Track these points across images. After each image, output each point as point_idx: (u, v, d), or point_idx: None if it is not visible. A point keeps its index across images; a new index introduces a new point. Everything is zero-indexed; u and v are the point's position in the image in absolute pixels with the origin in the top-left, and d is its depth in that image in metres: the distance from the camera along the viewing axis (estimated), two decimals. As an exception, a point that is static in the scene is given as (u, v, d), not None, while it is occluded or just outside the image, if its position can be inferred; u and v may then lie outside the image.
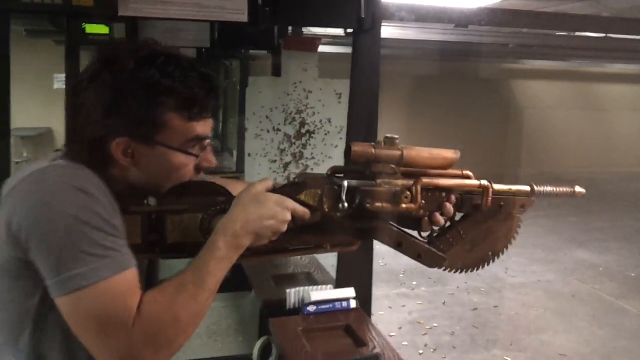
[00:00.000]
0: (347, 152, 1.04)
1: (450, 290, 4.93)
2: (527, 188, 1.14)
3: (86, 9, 1.51)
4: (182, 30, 2.93)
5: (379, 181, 1.05)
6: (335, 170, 1.09)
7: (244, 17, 1.70)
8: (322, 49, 2.52)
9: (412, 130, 9.10)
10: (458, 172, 1.11)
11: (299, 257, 2.32)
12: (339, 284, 1.89)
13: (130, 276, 0.88)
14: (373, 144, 1.05)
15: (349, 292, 1.83)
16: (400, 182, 1.06)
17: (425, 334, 4.02)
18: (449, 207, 1.09)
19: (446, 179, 1.09)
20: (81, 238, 0.85)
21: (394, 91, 8.97)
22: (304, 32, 2.38)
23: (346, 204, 1.02)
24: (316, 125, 2.47)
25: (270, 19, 1.72)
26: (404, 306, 4.56)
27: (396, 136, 1.06)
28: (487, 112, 10.04)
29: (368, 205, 1.04)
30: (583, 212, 7.50)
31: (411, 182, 1.06)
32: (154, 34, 2.97)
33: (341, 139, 2.49)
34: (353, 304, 1.83)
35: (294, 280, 2.12)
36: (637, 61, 8.28)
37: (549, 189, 1.16)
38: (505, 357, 3.69)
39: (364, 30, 1.73)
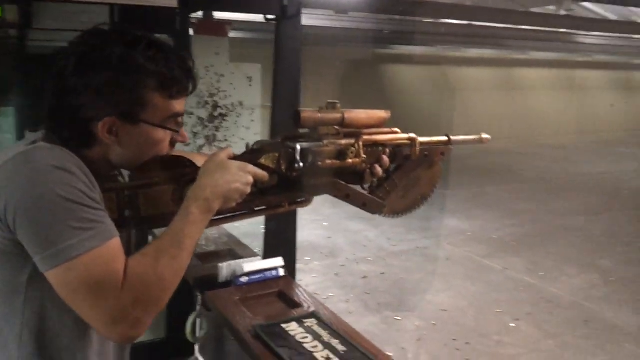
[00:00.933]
0: (296, 117, 1.17)
1: (340, 262, 5.26)
2: (445, 138, 1.34)
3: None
4: (79, 12, 2.86)
5: (325, 141, 1.19)
6: (286, 136, 1.21)
7: (173, 2, 1.77)
8: (231, 34, 2.61)
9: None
10: (388, 129, 1.29)
11: (216, 234, 2.43)
12: (266, 255, 2.04)
13: (115, 244, 0.96)
14: (317, 109, 1.19)
15: (278, 261, 1.98)
16: (344, 140, 1.21)
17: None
18: (386, 159, 1.26)
19: (381, 135, 1.26)
20: (66, 213, 0.91)
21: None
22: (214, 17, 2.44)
23: (301, 164, 1.15)
24: (228, 108, 2.57)
25: (199, 4, 1.80)
26: (300, 280, 4.79)
27: (336, 101, 1.20)
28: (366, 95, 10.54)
29: (319, 163, 1.18)
30: (450, 184, 8.25)
31: (353, 140, 1.21)
32: (50, 16, 2.86)
33: (252, 121, 2.61)
34: (281, 272, 1.99)
35: (218, 256, 2.22)
36: (494, 46, 9.16)
37: (461, 137, 1.36)
38: (396, 317, 4.07)
39: (286, 17, 1.88)
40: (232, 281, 1.93)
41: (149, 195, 1.09)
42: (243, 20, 3.30)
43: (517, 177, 9.65)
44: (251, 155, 1.16)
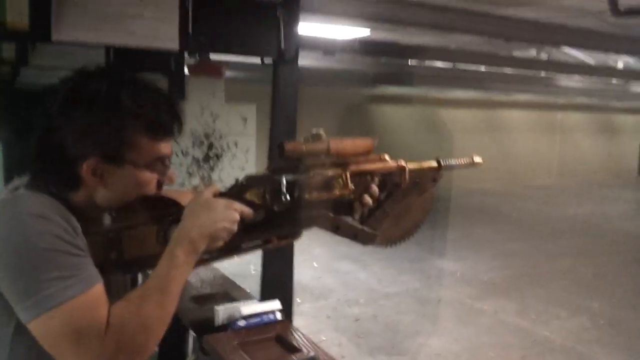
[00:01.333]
0: (280, 150, 1.14)
1: (332, 304, 5.18)
2: (435, 163, 1.29)
3: (22, 33, 1.49)
4: (75, 52, 2.86)
5: (312, 173, 1.15)
6: (273, 168, 1.17)
7: (175, 45, 1.77)
8: (227, 74, 2.63)
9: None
10: (376, 156, 1.24)
11: (211, 276, 2.39)
12: (263, 297, 2.00)
13: (97, 291, 0.93)
14: (302, 139, 1.16)
15: (275, 304, 1.94)
16: (331, 171, 1.17)
17: (314, 347, 4.20)
18: (375, 188, 1.20)
19: (369, 164, 1.21)
20: (45, 262, 0.89)
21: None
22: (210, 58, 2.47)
23: (287, 197, 1.11)
24: (223, 149, 2.56)
25: (199, 47, 1.81)
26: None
27: (321, 131, 1.17)
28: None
29: (306, 196, 1.14)
30: (438, 225, 8.26)
31: (340, 170, 1.17)
32: (45, 56, 2.86)
33: (247, 161, 2.61)
34: (279, 315, 1.94)
35: (213, 298, 2.17)
36: (482, 88, 9.35)
37: (452, 162, 1.32)
38: (389, 361, 4.00)
39: (284, 60, 1.89)
40: (229, 325, 1.88)
41: (133, 237, 1.06)
42: (238, 61, 3.32)
43: (504, 217, 9.69)
44: (237, 190, 1.13)
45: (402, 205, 1.26)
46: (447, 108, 12.75)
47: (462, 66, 7.63)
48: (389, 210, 1.25)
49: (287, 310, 1.99)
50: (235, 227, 1.06)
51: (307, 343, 1.78)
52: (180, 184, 2.46)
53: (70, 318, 0.89)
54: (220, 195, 1.10)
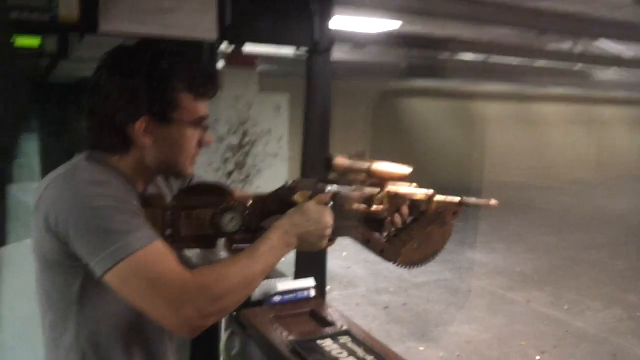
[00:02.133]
0: (328, 163, 1.25)
1: (361, 293, 5.26)
2: (458, 199, 1.40)
3: (72, 25, 1.60)
4: (114, 43, 2.99)
5: (353, 187, 1.28)
6: (320, 179, 1.28)
7: (213, 35, 1.87)
8: (260, 67, 2.73)
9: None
10: (408, 183, 1.35)
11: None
12: (297, 276, 2.08)
13: (163, 244, 1.01)
14: (348, 156, 1.27)
15: (310, 282, 2.03)
16: (370, 189, 1.29)
17: (346, 333, 4.27)
18: (405, 210, 1.32)
19: (404, 188, 1.33)
20: (111, 219, 0.98)
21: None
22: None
23: (331, 204, 1.23)
24: (258, 136, 2.66)
25: (237, 37, 1.90)
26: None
27: (364, 150, 1.29)
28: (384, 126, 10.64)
29: (347, 207, 1.26)
30: (469, 217, 8.23)
31: (378, 189, 1.29)
32: (86, 47, 3.01)
33: (280, 148, 2.70)
34: (313, 292, 2.03)
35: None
36: (515, 82, 9.25)
37: (472, 200, 1.42)
38: (420, 348, 4.05)
39: (318, 51, 1.97)
40: (265, 300, 1.97)
41: (190, 217, 1.15)
42: (270, 54, 3.42)
43: (536, 211, 9.60)
44: (287, 191, 1.23)
45: (424, 233, 1.37)
46: (479, 101, 12.63)
47: (495, 59, 7.57)
48: (414, 234, 1.36)
49: (321, 288, 2.07)
50: (323, 246, 1.20)
51: (340, 318, 1.86)
52: (217, 169, 2.57)
53: (146, 265, 0.96)
54: (272, 193, 1.22)
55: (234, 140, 2.62)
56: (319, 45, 1.97)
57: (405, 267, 1.38)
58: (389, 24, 4.92)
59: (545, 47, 7.12)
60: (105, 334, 1.09)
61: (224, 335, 2.06)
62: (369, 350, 1.61)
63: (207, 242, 1.18)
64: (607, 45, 7.14)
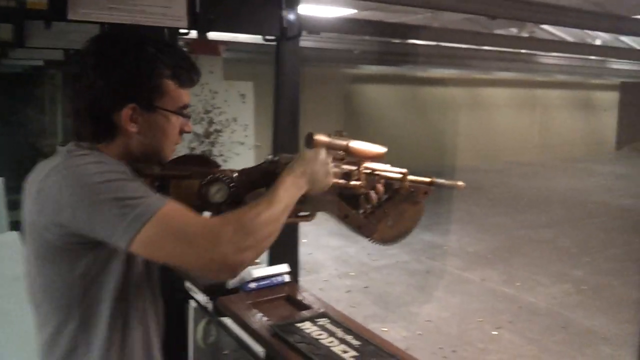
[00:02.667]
0: (309, 140, 1.27)
1: (323, 278, 5.33)
2: (428, 179, 1.44)
3: (40, 11, 1.56)
4: (71, 31, 2.91)
5: (332, 163, 1.30)
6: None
7: (183, 24, 1.86)
8: (224, 54, 2.71)
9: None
10: (383, 163, 1.39)
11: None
12: (271, 263, 2.11)
13: (178, 203, 1.02)
14: (329, 134, 1.30)
15: (284, 267, 2.06)
16: (347, 166, 1.33)
17: (310, 318, 4.34)
18: (380, 187, 1.36)
19: (379, 165, 1.37)
20: (122, 189, 0.98)
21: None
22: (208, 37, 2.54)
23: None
24: (223, 124, 2.65)
25: (206, 26, 1.89)
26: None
27: (343, 130, 1.33)
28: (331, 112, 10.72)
29: None
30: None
31: (355, 166, 1.33)
32: (42, 35, 2.92)
33: (246, 136, 2.70)
34: (287, 278, 2.06)
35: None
36: (464, 66, 9.46)
37: (441, 180, 1.46)
38: (383, 329, 4.15)
39: (287, 38, 1.99)
40: (241, 287, 1.99)
41: (179, 187, 1.18)
42: (235, 41, 3.40)
43: (487, 193, 9.90)
44: (271, 164, 1.27)
45: (398, 210, 1.40)
46: (429, 86, 12.89)
47: (445, 44, 7.72)
48: (388, 212, 1.40)
49: (294, 273, 2.11)
50: (330, 179, 1.24)
51: (316, 301, 1.91)
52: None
53: (172, 220, 0.97)
54: (255, 166, 1.26)
55: (199, 129, 2.61)
56: (288, 32, 1.98)
57: (380, 243, 1.42)
58: (343, 11, 4.97)
59: (492, 32, 7.32)
60: (106, 318, 1.09)
61: (201, 324, 2.07)
62: (347, 330, 1.65)
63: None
64: (551, 30, 7.41)
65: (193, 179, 1.18)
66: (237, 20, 1.94)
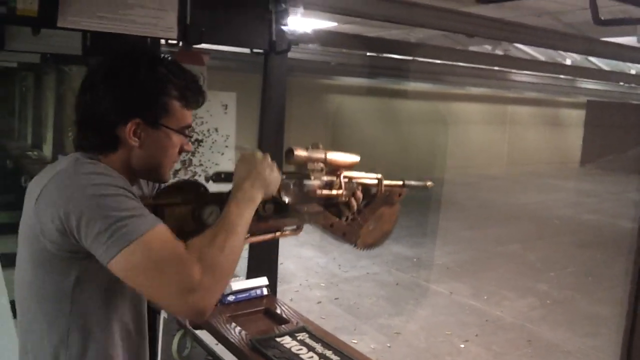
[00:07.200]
0: (289, 154, 1.33)
1: (294, 288, 5.34)
2: (401, 182, 1.53)
3: (30, 18, 1.55)
4: (52, 36, 2.88)
5: (314, 175, 1.36)
6: (284, 172, 1.34)
7: (173, 35, 1.87)
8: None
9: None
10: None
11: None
12: (249, 275, 2.12)
13: (166, 228, 1.04)
14: (306, 148, 1.35)
15: (262, 280, 2.08)
16: (327, 177, 1.38)
17: (280, 327, 4.35)
18: (359, 193, 1.43)
19: (356, 173, 1.43)
20: (115, 205, 1.00)
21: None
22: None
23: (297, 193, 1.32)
24: (204, 134, 2.65)
25: (196, 37, 1.91)
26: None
27: (319, 142, 1.38)
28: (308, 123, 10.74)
29: (313, 194, 1.35)
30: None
31: (334, 176, 1.38)
32: (22, 39, 2.87)
33: (227, 147, 2.70)
34: (265, 291, 2.08)
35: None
36: (438, 81, 9.62)
37: (412, 182, 1.56)
38: (352, 340, 4.17)
39: (276, 52, 2.01)
40: (220, 300, 2.00)
41: (173, 214, 1.19)
42: (220, 50, 3.40)
43: (457, 206, 10.05)
44: None
45: (377, 214, 1.48)
46: (403, 99, 13.04)
47: (422, 60, 7.84)
48: (368, 216, 1.46)
49: (272, 286, 2.12)
50: (277, 175, 1.24)
51: (294, 314, 1.92)
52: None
53: (150, 250, 0.98)
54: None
55: (180, 138, 2.60)
56: (277, 45, 2.01)
57: (363, 248, 1.48)
58: (323, 24, 5.01)
59: (468, 49, 7.48)
60: (95, 327, 1.11)
61: (176, 336, 2.07)
62: (326, 345, 1.68)
63: (188, 237, 1.21)
64: (524, 49, 7.60)
65: (186, 205, 1.21)
66: (227, 32, 1.96)
